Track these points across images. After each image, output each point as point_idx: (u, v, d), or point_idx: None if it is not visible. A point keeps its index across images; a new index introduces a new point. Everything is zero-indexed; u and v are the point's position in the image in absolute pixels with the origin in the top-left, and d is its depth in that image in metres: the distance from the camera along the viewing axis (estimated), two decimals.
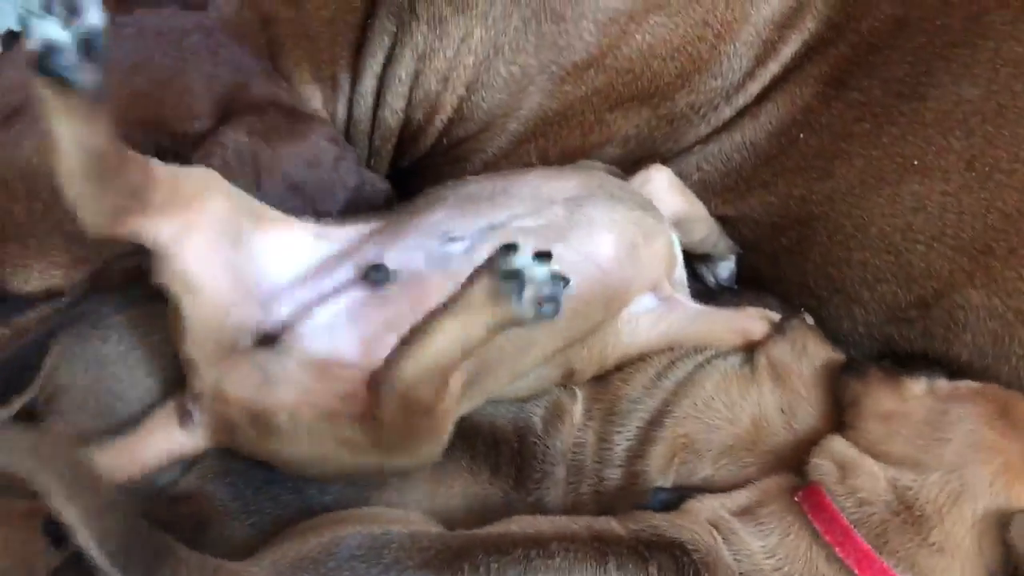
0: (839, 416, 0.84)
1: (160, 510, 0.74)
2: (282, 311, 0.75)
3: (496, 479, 0.81)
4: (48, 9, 0.60)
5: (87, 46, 0.61)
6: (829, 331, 0.96)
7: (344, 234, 0.80)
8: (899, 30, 1.02)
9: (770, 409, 0.84)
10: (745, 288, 1.06)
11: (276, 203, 0.85)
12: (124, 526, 0.65)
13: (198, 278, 0.72)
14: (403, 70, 1.01)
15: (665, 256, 0.89)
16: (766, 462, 0.82)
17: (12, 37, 1.02)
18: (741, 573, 0.75)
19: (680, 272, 0.92)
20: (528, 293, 0.64)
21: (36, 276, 0.85)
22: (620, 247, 0.82)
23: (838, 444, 0.79)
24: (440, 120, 1.04)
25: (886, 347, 0.97)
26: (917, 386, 0.83)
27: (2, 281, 0.85)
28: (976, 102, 0.96)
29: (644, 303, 0.87)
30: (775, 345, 0.87)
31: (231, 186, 0.76)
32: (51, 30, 0.60)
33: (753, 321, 0.91)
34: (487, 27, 0.99)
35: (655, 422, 0.83)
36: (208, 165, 0.85)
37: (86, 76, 0.61)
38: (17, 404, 0.77)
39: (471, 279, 0.66)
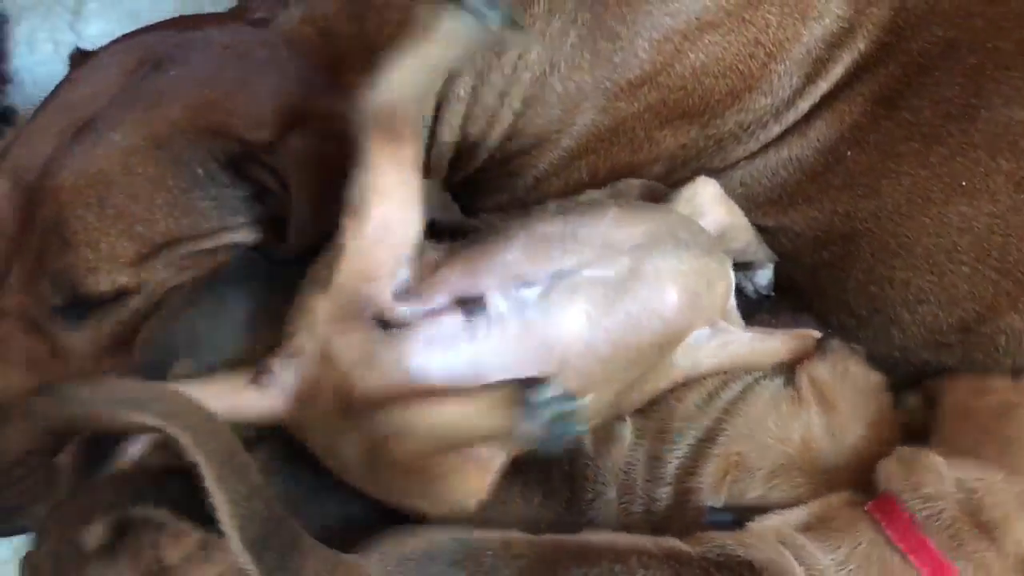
0: (889, 434, 0.87)
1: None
2: (401, 310, 0.80)
3: (548, 501, 0.85)
4: None
5: None
6: (868, 353, 0.97)
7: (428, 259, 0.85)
8: (950, 51, 1.04)
9: (818, 430, 0.86)
10: (782, 300, 1.09)
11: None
12: (265, 514, 0.70)
13: (368, 231, 0.79)
14: (461, 87, 1.05)
15: (724, 295, 0.92)
16: (818, 482, 0.85)
17: (81, 55, 1.09)
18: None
19: (732, 300, 0.95)
20: (535, 425, 0.69)
21: (105, 278, 0.91)
22: (684, 298, 0.86)
23: (904, 449, 0.82)
24: (495, 136, 1.08)
25: (920, 373, 0.99)
26: (1001, 381, 0.84)
27: (76, 284, 0.91)
28: None
29: (698, 337, 0.90)
30: (816, 367, 0.90)
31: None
32: None
33: (800, 344, 0.94)
34: (544, 44, 1.03)
35: (707, 440, 0.86)
36: (276, 168, 0.93)
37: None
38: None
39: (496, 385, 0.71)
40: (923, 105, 1.03)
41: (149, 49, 0.98)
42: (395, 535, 0.75)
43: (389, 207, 0.79)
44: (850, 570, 0.76)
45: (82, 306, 0.93)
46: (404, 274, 0.81)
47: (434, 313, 0.80)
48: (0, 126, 1.33)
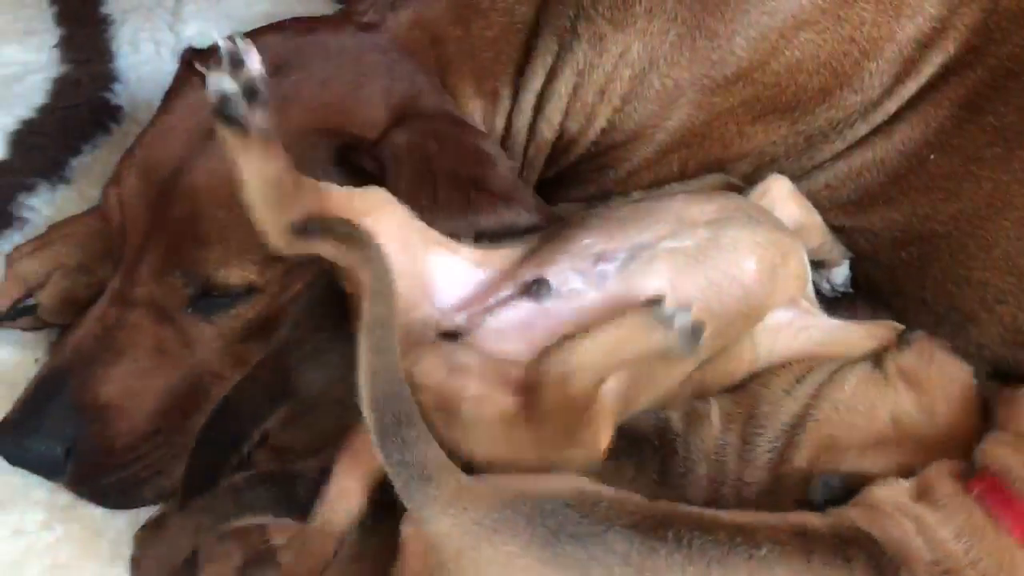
0: (978, 416, 0.92)
1: (301, 483, 0.87)
2: (457, 318, 0.86)
3: (640, 476, 0.91)
4: (218, 64, 0.75)
5: (252, 93, 0.76)
6: None
7: (500, 257, 0.91)
8: None
9: (908, 407, 0.91)
10: (859, 298, 1.14)
11: (444, 199, 0.99)
12: (394, 376, 0.74)
13: None
14: (563, 85, 1.12)
15: (800, 274, 0.97)
16: (914, 455, 0.89)
17: (193, 53, 1.17)
18: (934, 561, 0.78)
19: (810, 287, 1.01)
20: (673, 333, 0.78)
21: (236, 273, 0.98)
22: (762, 268, 0.91)
23: (1005, 434, 0.85)
24: (593, 132, 1.14)
25: (995, 369, 1.05)
26: None
27: (208, 277, 0.99)
28: None
29: (779, 318, 0.96)
30: (901, 355, 0.95)
31: (401, 205, 0.88)
32: (223, 82, 0.75)
33: (883, 333, 0.99)
34: (644, 43, 1.10)
35: (797, 425, 0.91)
36: (380, 160, 1.00)
37: (255, 119, 0.76)
38: None
39: (630, 311, 0.79)
40: (1008, 110, 1.09)
41: (271, 53, 1.05)
42: (512, 477, 0.79)
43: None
44: (965, 541, 0.79)
45: (212, 300, 1.00)
46: (447, 287, 0.87)
47: (496, 306, 0.85)
48: (109, 123, 1.41)
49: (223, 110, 0.76)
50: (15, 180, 1.31)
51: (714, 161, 1.15)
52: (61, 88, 1.43)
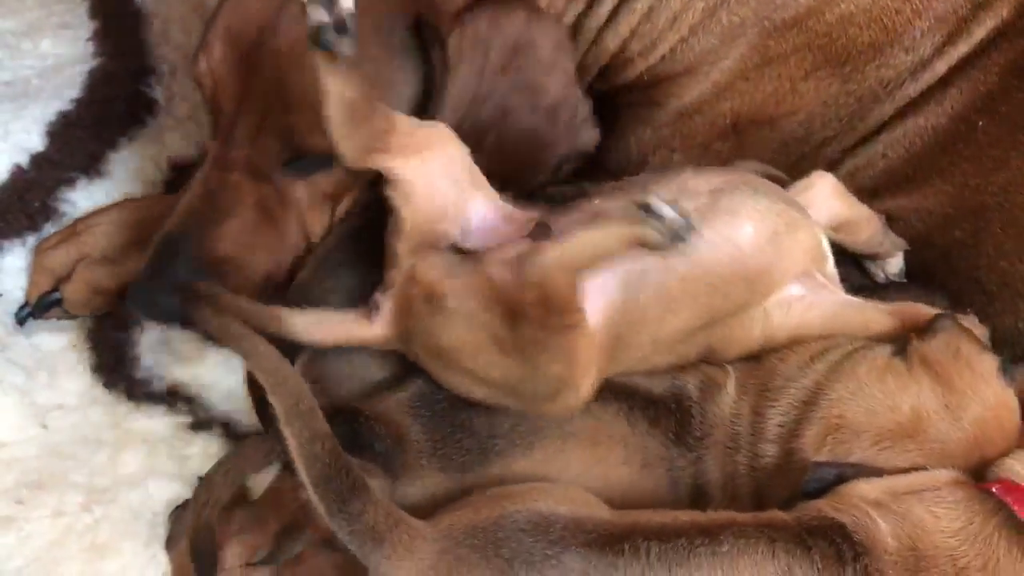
0: (1007, 417, 0.91)
1: (364, 422, 0.92)
2: (471, 242, 0.95)
3: (654, 431, 0.93)
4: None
5: (342, 27, 0.84)
6: (993, 327, 1.03)
7: (523, 214, 0.97)
8: None
9: (932, 404, 0.90)
10: (912, 283, 1.13)
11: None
12: (327, 459, 0.81)
13: (417, 193, 0.93)
14: (640, 2, 1.15)
15: (810, 248, 0.98)
16: (932, 451, 0.89)
17: None
18: (913, 550, 0.81)
19: (831, 268, 1.01)
20: (657, 223, 0.83)
21: (324, 138, 0.95)
22: (761, 233, 0.95)
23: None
24: (654, 57, 1.17)
25: None
26: None
27: (299, 142, 1.05)
28: None
29: (792, 292, 0.98)
30: (928, 344, 0.93)
31: (459, 144, 0.96)
32: (319, 14, 0.84)
33: (907, 313, 0.99)
34: None
35: (809, 402, 0.92)
36: (446, 59, 1.04)
37: (343, 47, 0.85)
38: None
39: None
40: None
41: None
42: (469, 505, 0.84)
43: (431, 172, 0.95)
44: (960, 539, 0.81)
45: (304, 161, 1.07)
46: (475, 221, 0.96)
47: (504, 239, 0.93)
48: (144, 116, 1.43)
49: (317, 37, 0.85)
50: (56, 174, 1.34)
51: (766, 119, 1.17)
52: (96, 81, 1.47)
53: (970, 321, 1.00)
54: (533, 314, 0.85)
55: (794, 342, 0.97)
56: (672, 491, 0.94)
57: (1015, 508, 0.83)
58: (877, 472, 0.88)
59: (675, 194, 0.94)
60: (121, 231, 1.23)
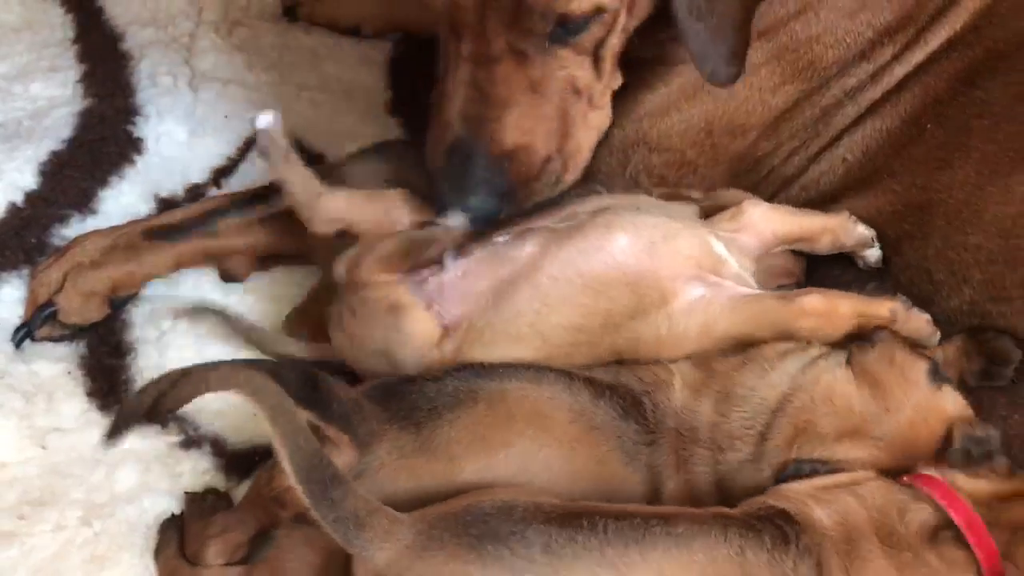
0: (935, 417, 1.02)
1: (323, 385, 1.01)
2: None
3: (599, 401, 1.05)
4: None
5: None
6: (939, 311, 1.14)
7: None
8: None
9: (874, 408, 1.02)
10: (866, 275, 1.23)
11: None
12: (309, 451, 0.89)
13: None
14: None
15: (694, 254, 1.11)
16: (876, 448, 1.01)
17: None
18: (843, 525, 0.92)
19: (734, 269, 1.12)
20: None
21: (586, 1, 1.08)
22: (636, 243, 1.09)
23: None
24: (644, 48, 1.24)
25: (983, 322, 1.14)
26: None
27: (562, 12, 1.10)
28: None
29: (695, 292, 1.09)
30: (867, 354, 1.05)
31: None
32: None
33: (809, 302, 1.09)
34: None
35: (778, 409, 1.03)
36: None
37: None
38: None
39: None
40: (995, 86, 1.20)
41: None
42: (440, 504, 0.93)
43: None
44: (886, 515, 0.92)
45: (567, 28, 1.12)
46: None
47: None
48: (133, 155, 1.53)
49: None
50: (50, 211, 1.44)
51: (738, 128, 1.28)
52: (86, 122, 1.57)
53: (914, 313, 1.10)
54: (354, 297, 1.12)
55: (705, 338, 1.09)
56: (627, 465, 1.03)
57: (924, 489, 0.95)
58: (839, 467, 0.99)
59: (565, 217, 1.13)
60: (105, 239, 1.33)
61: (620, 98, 1.28)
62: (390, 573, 0.87)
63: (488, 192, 1.15)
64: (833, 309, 1.09)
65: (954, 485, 0.95)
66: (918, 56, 1.25)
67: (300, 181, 1.19)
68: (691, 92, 1.28)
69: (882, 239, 1.23)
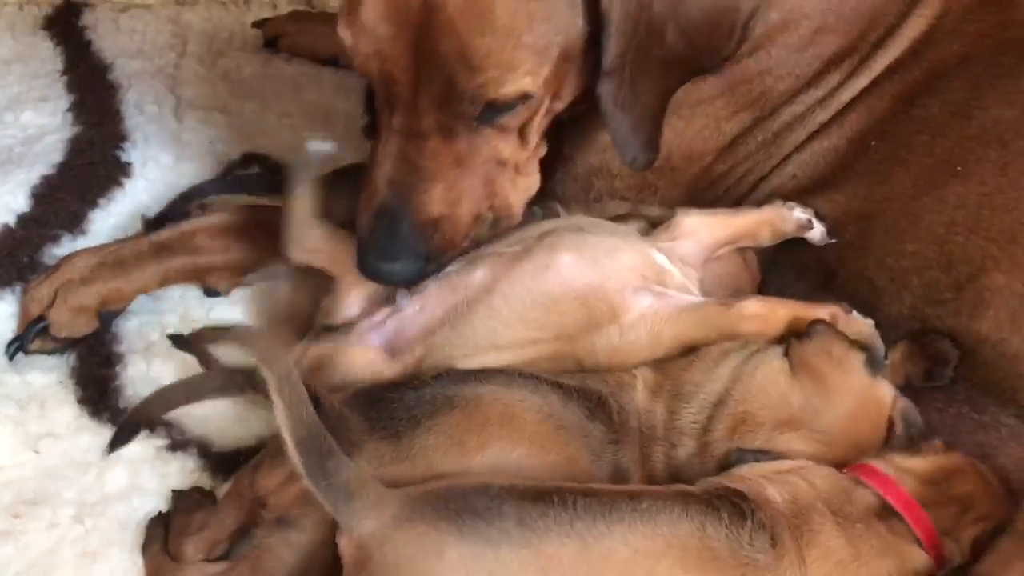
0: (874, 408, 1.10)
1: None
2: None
3: (568, 402, 1.10)
4: None
5: None
6: (882, 316, 1.21)
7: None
8: (963, 63, 1.31)
9: (813, 398, 1.09)
10: (812, 281, 1.31)
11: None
12: (311, 422, 0.95)
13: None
14: None
15: (637, 267, 1.19)
16: (817, 437, 1.08)
17: None
18: (794, 503, 0.99)
19: (678, 280, 1.20)
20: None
21: (512, 88, 1.13)
22: (580, 260, 1.18)
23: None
24: None
25: (923, 325, 1.21)
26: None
27: (490, 98, 1.15)
28: (1011, 121, 1.24)
29: (643, 302, 1.17)
30: (805, 347, 1.12)
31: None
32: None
33: (745, 307, 1.17)
34: None
35: (718, 403, 1.11)
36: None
37: None
38: None
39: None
40: (933, 104, 1.29)
41: None
42: (425, 484, 1.00)
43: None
44: (833, 494, 1.00)
45: (494, 110, 1.17)
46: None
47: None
48: (121, 179, 1.61)
49: None
50: (41, 232, 1.51)
51: (696, 154, 1.36)
52: (76, 147, 1.65)
53: (854, 317, 1.18)
54: None
55: (655, 345, 1.16)
56: (594, 463, 1.09)
57: (862, 479, 1.02)
58: (779, 456, 1.06)
59: (515, 241, 1.22)
60: (95, 256, 1.40)
61: (584, 131, 1.37)
62: (373, 541, 0.93)
63: (409, 258, 1.21)
64: (771, 313, 1.17)
65: (899, 469, 1.02)
66: (862, 81, 1.34)
67: (304, 207, 1.25)
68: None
69: (827, 255, 1.31)
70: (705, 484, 1.02)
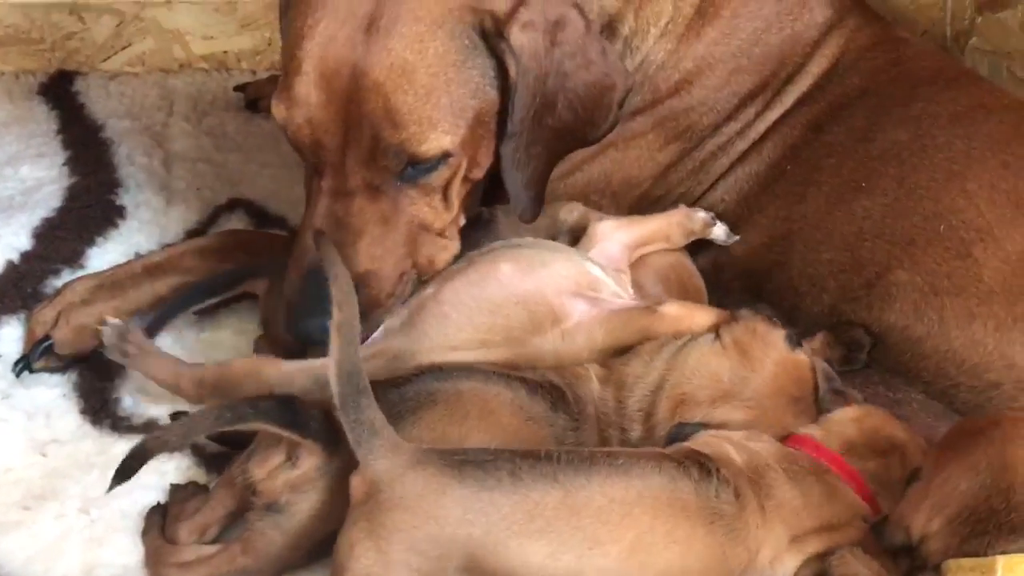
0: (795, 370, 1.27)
1: (300, 406, 1.19)
2: None
3: (534, 396, 1.24)
4: None
5: None
6: (805, 316, 1.40)
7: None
8: (862, 94, 1.53)
9: (741, 370, 1.24)
10: (743, 294, 1.49)
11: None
12: (355, 362, 1.07)
13: None
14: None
15: (571, 275, 1.33)
16: (750, 404, 1.23)
17: None
18: (751, 461, 1.13)
19: (612, 288, 1.34)
20: None
21: (433, 145, 1.26)
22: (516, 269, 1.31)
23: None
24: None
25: (839, 317, 1.39)
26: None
27: (411, 153, 1.26)
28: (906, 143, 1.44)
29: (580, 310, 1.31)
30: (733, 328, 1.28)
31: None
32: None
33: (665, 310, 1.33)
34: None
35: (657, 389, 1.25)
36: (510, 62, 1.28)
37: None
38: None
39: None
40: (840, 131, 1.50)
41: None
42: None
43: None
44: (780, 457, 1.15)
45: (415, 169, 1.29)
46: None
47: None
48: (116, 220, 1.75)
49: None
50: (43, 266, 1.64)
51: (633, 180, 1.55)
52: (73, 194, 1.80)
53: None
54: None
55: (592, 347, 1.31)
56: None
57: (797, 447, 1.18)
58: (718, 426, 1.20)
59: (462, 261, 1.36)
60: (93, 280, 1.53)
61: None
62: (386, 478, 1.05)
63: None
64: (689, 315, 1.32)
65: (827, 433, 1.17)
66: (776, 113, 1.54)
67: None
68: (592, 155, 1.53)
69: (756, 270, 1.49)
70: (674, 449, 1.15)
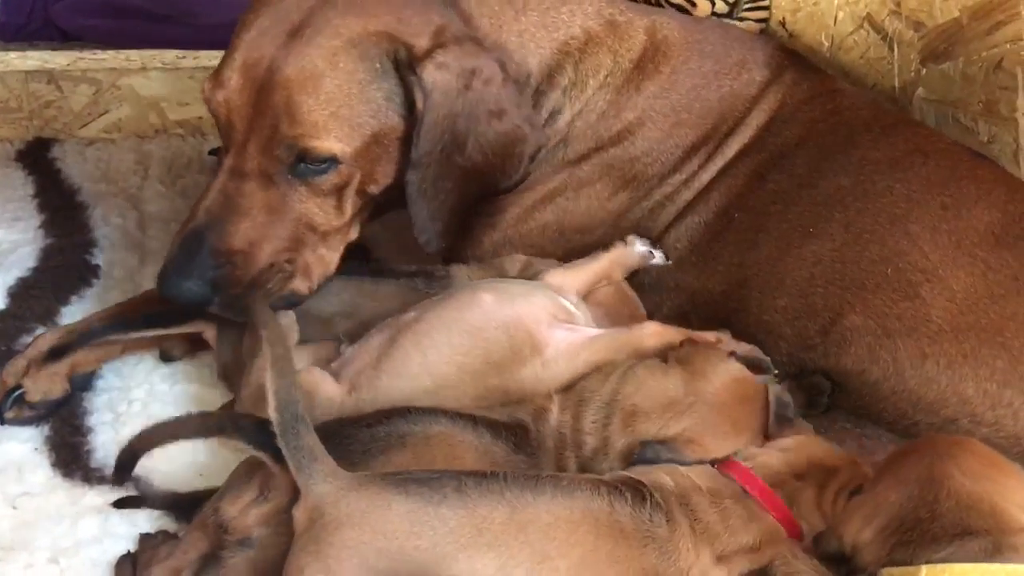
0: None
1: None
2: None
3: (498, 441, 1.27)
4: None
5: None
6: None
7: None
8: (801, 143, 1.58)
9: (689, 383, 1.28)
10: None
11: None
12: (292, 392, 1.09)
13: None
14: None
15: (546, 307, 1.38)
16: (698, 413, 1.26)
17: None
18: (680, 487, 1.16)
19: (585, 319, 1.40)
20: None
21: (323, 145, 1.36)
22: (499, 299, 1.37)
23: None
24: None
25: (799, 368, 1.43)
26: None
27: (303, 148, 1.37)
28: (850, 188, 1.48)
29: (558, 339, 1.36)
30: (681, 351, 1.33)
31: None
32: None
33: (644, 327, 1.38)
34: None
35: (610, 403, 1.29)
36: (423, 95, 1.38)
37: None
38: None
39: None
40: (783, 178, 1.54)
41: None
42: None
43: None
44: (706, 480, 1.19)
45: (305, 167, 1.39)
46: None
47: None
48: (91, 279, 1.79)
49: None
50: (17, 324, 1.66)
51: (584, 227, 1.59)
52: (48, 254, 1.82)
53: (743, 344, 1.38)
54: None
55: (572, 369, 1.34)
56: None
57: (725, 472, 1.21)
58: (677, 441, 1.24)
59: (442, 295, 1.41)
60: (63, 329, 1.55)
61: (494, 207, 1.59)
62: (328, 500, 1.05)
63: (199, 279, 1.36)
64: (667, 331, 1.37)
65: (758, 463, 1.20)
66: (719, 163, 1.59)
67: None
68: (544, 202, 1.59)
69: (718, 318, 1.51)
70: (613, 476, 1.18)
